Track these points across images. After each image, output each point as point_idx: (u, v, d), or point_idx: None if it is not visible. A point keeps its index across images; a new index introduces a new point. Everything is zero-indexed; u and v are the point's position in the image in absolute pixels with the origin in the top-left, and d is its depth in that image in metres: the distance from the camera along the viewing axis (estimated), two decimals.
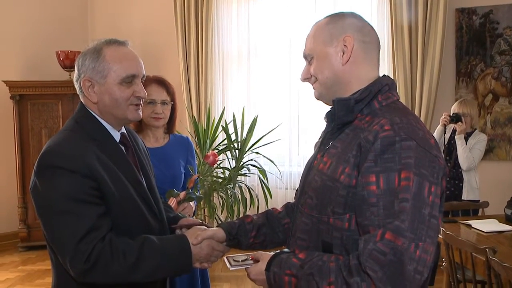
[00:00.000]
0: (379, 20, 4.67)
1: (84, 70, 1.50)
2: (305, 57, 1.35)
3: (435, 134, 3.91)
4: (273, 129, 4.49)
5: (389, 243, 1.05)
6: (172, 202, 2.02)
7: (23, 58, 5.30)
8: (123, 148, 1.55)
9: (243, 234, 1.53)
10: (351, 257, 1.12)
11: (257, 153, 4.43)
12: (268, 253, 1.32)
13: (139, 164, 1.60)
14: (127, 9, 5.69)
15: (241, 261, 1.41)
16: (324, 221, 1.23)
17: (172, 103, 2.31)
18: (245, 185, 4.36)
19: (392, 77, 4.57)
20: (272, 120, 4.76)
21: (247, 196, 4.30)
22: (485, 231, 2.96)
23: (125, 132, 1.60)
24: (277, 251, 1.33)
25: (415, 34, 4.47)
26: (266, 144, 4.46)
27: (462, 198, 3.80)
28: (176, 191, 2.06)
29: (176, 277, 1.94)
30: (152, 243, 1.41)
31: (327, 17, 1.33)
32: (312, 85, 1.34)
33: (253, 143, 4.38)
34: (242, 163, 4.27)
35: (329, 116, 1.31)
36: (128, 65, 1.49)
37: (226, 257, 1.49)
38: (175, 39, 5.14)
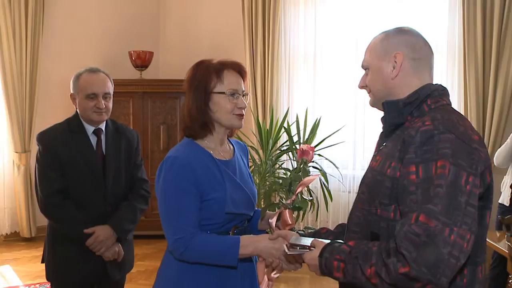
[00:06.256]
0: (450, 21, 4.49)
1: (72, 88, 2.30)
2: (363, 67, 1.48)
3: (509, 140, 3.71)
4: (336, 131, 4.45)
5: (423, 225, 1.11)
6: (289, 215, 1.69)
7: (98, 57, 5.58)
8: (95, 137, 2.30)
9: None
10: (391, 241, 1.19)
11: (319, 155, 4.40)
12: (324, 241, 1.39)
13: (107, 151, 2.31)
14: (196, 12, 5.85)
15: (299, 248, 1.45)
16: (373, 212, 1.32)
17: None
18: (307, 187, 4.35)
19: (463, 82, 4.34)
20: (337, 122, 4.71)
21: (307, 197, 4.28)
22: None
23: (103, 128, 2.32)
24: (332, 241, 1.39)
25: (489, 37, 4.26)
26: (329, 146, 4.43)
27: None
28: (283, 202, 1.75)
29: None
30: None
31: (384, 32, 1.44)
32: (368, 93, 1.47)
33: (315, 144, 4.36)
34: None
35: (383, 119, 1.42)
36: (90, 87, 2.24)
37: (286, 244, 1.50)
38: (242, 40, 5.23)
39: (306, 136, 4.32)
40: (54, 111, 4.99)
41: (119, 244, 2.31)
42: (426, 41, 1.40)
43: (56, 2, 5.54)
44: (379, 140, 1.44)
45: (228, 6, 5.56)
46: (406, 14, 4.62)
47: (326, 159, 4.43)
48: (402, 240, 1.13)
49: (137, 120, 5.41)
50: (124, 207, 2.34)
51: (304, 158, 1.80)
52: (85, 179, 2.26)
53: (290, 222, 1.67)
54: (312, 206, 4.33)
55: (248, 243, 1.60)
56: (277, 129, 4.49)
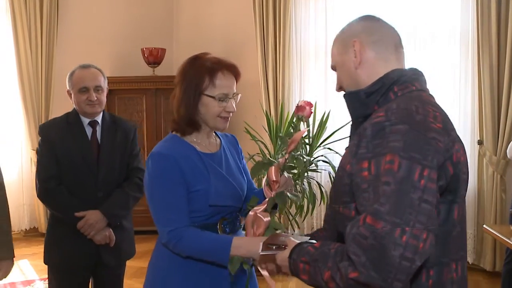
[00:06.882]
0: (464, 11, 4.37)
1: (67, 85, 2.46)
2: (332, 68, 1.41)
3: None
4: (345, 124, 4.42)
5: (369, 227, 1.02)
6: (275, 171, 1.60)
7: (111, 55, 5.67)
8: (90, 128, 2.46)
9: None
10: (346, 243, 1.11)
11: (329, 149, 4.40)
12: (296, 241, 1.33)
13: (102, 141, 2.46)
14: (208, 8, 5.88)
15: (275, 248, 1.39)
16: (337, 211, 1.25)
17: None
18: (316, 181, 4.36)
19: (477, 73, 4.18)
20: (348, 115, 4.65)
21: (317, 192, 4.30)
22: None
23: (98, 120, 2.46)
24: (303, 241, 1.33)
25: (504, 27, 4.13)
26: (339, 140, 4.41)
27: None
28: (273, 160, 1.68)
29: None
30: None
31: (343, 27, 1.38)
32: None
33: (324, 138, 4.36)
34: (312, 158, 4.26)
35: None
36: (82, 81, 2.40)
37: (263, 242, 1.44)
38: (254, 35, 5.24)
39: (315, 130, 4.32)
40: (69, 108, 5.08)
41: (110, 229, 2.40)
42: (387, 24, 1.33)
43: (70, 1, 5.63)
44: (350, 134, 1.36)
45: (240, 2, 5.57)
46: (418, 6, 4.55)
47: (336, 152, 4.42)
48: (350, 244, 1.05)
49: (150, 116, 5.48)
50: (116, 193, 2.44)
51: (299, 114, 1.70)
52: (78, 167, 2.39)
53: (275, 179, 1.59)
54: (322, 199, 4.33)
55: (241, 245, 1.57)
56: (287, 123, 4.50)
